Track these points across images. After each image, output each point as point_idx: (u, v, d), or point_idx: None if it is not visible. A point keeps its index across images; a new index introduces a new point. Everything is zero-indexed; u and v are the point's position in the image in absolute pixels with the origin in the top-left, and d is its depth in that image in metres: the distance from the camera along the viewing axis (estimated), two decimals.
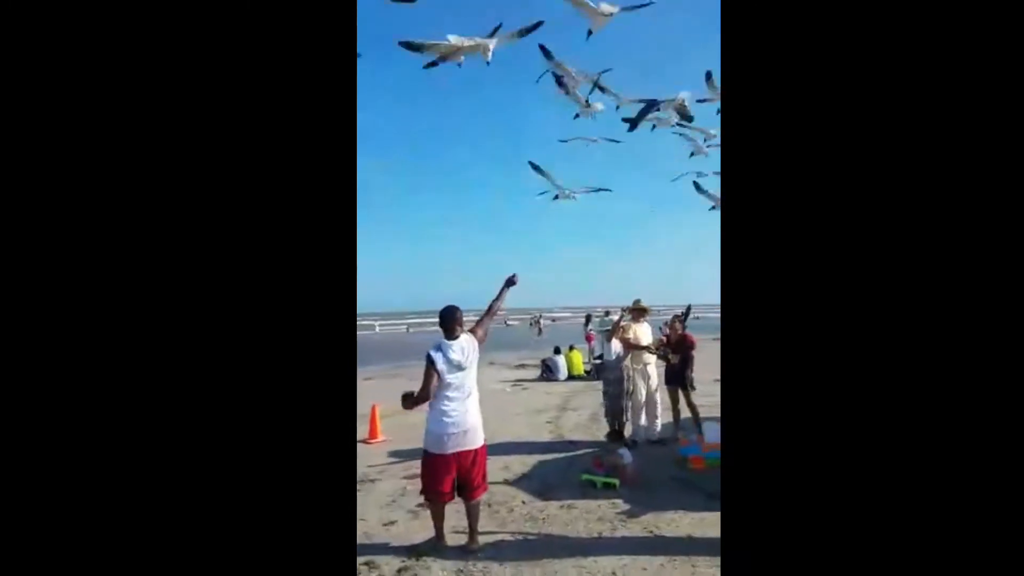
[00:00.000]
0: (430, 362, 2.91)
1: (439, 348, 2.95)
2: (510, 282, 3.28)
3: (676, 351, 5.17)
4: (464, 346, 2.97)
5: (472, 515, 3.04)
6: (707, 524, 3.27)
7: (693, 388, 5.20)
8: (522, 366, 12.12)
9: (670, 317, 5.61)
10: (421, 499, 3.72)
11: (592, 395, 8.16)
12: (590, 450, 4.99)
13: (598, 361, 10.47)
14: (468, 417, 2.95)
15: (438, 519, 3.06)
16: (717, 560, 2.80)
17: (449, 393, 2.92)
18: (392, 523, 3.47)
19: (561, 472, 4.40)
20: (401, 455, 5.01)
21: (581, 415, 6.77)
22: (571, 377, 9.96)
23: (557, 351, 10.49)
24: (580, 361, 10.47)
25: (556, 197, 6.70)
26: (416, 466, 4.69)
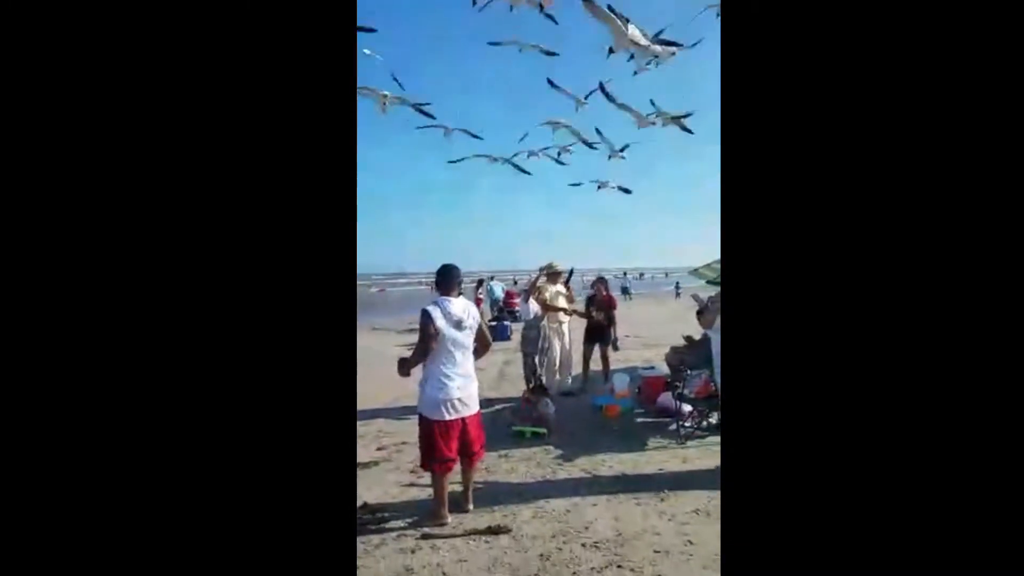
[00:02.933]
0: (427, 318, 2.73)
1: (436, 304, 2.78)
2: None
3: (599, 310, 5.57)
4: (464, 306, 2.85)
5: (468, 478, 2.96)
6: (636, 464, 3.63)
7: (616, 348, 5.77)
8: (412, 330, 11.95)
9: (594, 279, 5.98)
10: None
11: (491, 355, 8.32)
12: (506, 405, 5.18)
13: (492, 324, 10.73)
14: (469, 382, 2.85)
15: (441, 490, 2.80)
16: (656, 493, 3.14)
17: (450, 355, 2.76)
18: None
19: (487, 426, 4.50)
20: None
21: (488, 374, 6.93)
22: None
23: None
24: None
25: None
26: None
